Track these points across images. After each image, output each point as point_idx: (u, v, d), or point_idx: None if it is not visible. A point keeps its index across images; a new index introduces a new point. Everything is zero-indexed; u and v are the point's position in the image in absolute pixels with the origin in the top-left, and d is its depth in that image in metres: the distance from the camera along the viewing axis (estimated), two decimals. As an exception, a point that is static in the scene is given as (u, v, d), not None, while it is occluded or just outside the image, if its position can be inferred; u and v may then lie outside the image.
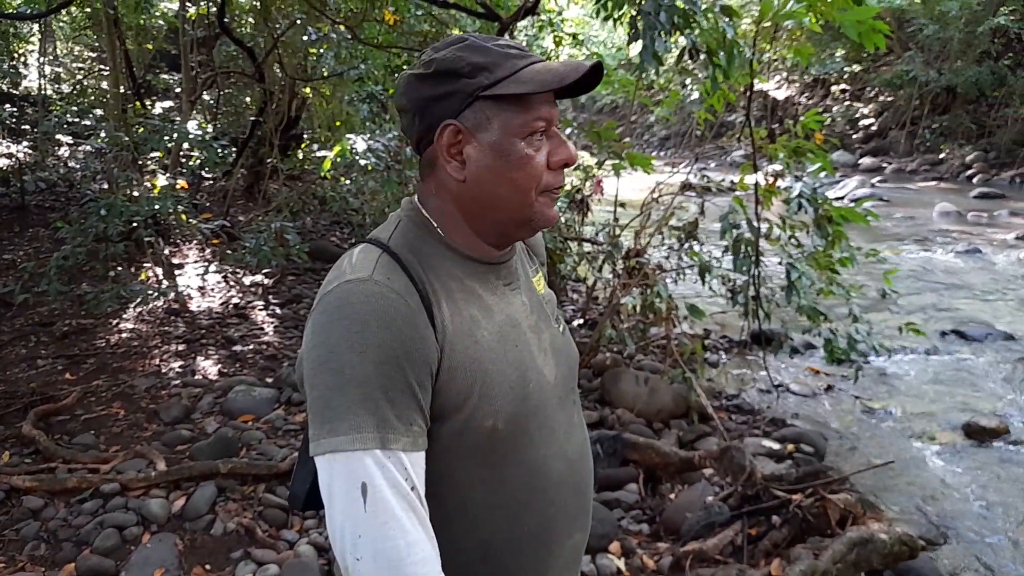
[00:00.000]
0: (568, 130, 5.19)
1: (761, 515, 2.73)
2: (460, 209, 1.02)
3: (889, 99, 18.71)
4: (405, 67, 7.53)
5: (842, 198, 12.15)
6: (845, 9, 3.55)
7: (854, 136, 18.97)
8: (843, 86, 20.02)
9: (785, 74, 20.94)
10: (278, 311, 5.73)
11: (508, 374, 0.99)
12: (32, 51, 11.80)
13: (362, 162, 4.63)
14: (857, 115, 19.35)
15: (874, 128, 18.84)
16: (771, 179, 4.53)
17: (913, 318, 5.97)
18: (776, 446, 3.96)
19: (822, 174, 4.46)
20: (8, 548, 2.72)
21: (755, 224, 4.30)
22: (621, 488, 3.31)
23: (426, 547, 0.89)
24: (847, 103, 19.74)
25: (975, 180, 15.10)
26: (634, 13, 3.64)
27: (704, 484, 3.31)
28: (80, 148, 9.41)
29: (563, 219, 5.88)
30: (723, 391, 4.81)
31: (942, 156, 16.68)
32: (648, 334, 4.89)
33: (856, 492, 2.68)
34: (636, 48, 3.69)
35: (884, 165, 17.22)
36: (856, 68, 19.35)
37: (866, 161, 17.61)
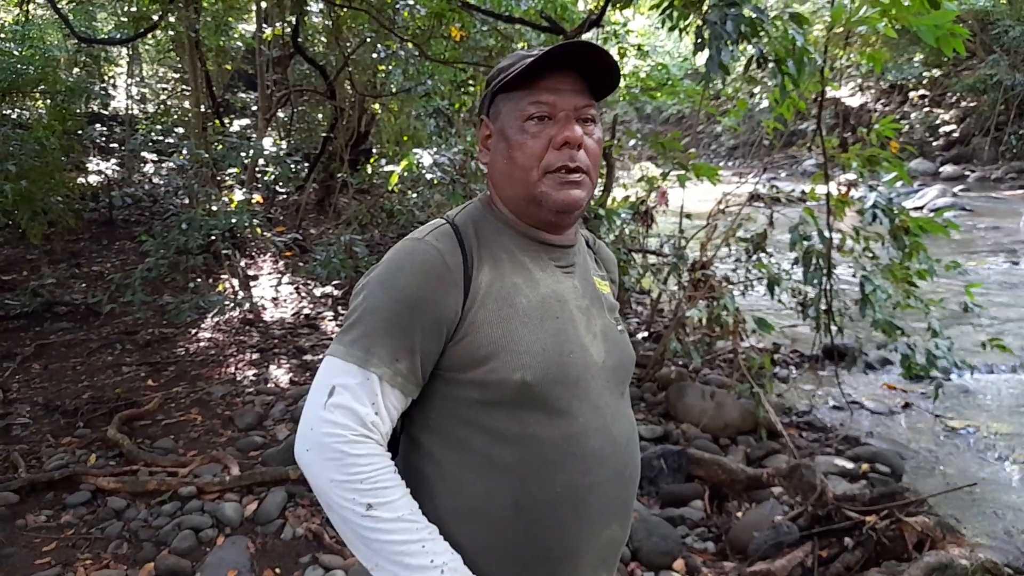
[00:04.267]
0: (631, 141, 5.17)
1: (832, 536, 2.63)
2: (495, 187, 1.16)
3: (972, 104, 17.88)
4: (471, 82, 7.65)
5: (921, 208, 11.67)
6: (922, 13, 3.44)
7: (934, 143, 18.20)
8: (922, 92, 19.25)
9: (860, 80, 20.28)
10: (346, 322, 5.86)
11: (542, 337, 1.06)
12: (121, 73, 12.50)
13: (428, 176, 4.72)
14: (937, 121, 18.56)
15: (956, 135, 18.03)
16: (844, 189, 4.40)
17: (998, 333, 5.68)
18: (850, 465, 3.82)
19: (898, 183, 4.31)
20: (94, 546, 2.87)
21: (826, 235, 4.18)
22: (686, 505, 3.25)
23: (372, 445, 0.99)
24: (926, 109, 18.96)
25: (1067, 188, 14.27)
26: (700, 23, 3.61)
27: (773, 503, 3.22)
28: (164, 165, 9.88)
29: (627, 230, 5.85)
30: (793, 407, 4.67)
31: (1030, 163, 15.83)
32: (714, 347, 4.80)
33: (935, 515, 2.55)
34: (702, 58, 3.65)
35: (967, 173, 16.46)
36: (936, 73, 18.58)
37: (947, 169, 16.87)
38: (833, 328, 4.46)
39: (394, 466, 1.02)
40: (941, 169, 17.02)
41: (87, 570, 2.70)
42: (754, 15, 3.46)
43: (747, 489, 3.33)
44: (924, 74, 18.63)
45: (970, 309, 4.35)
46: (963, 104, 18.29)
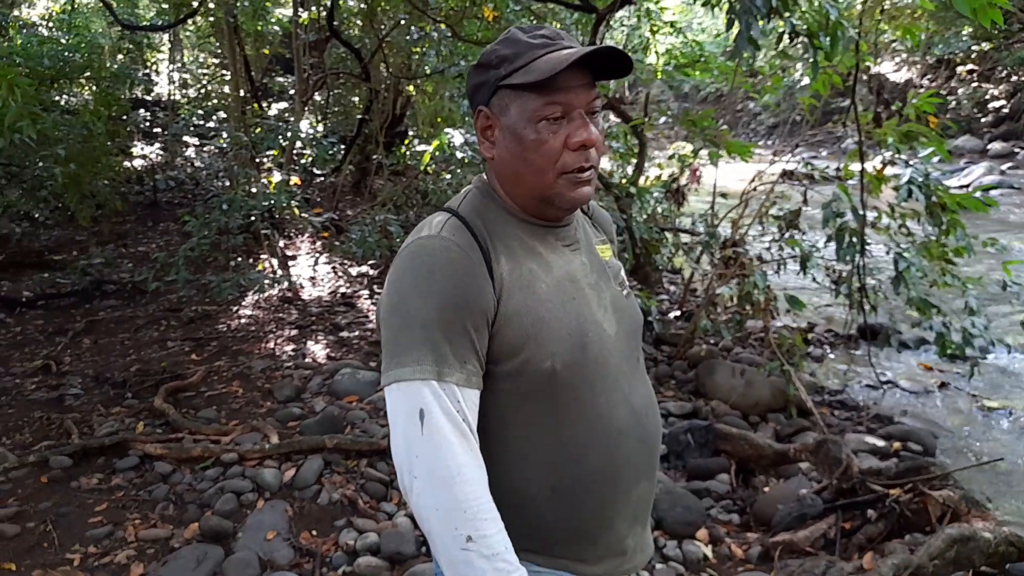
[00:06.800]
0: (662, 119, 5.15)
1: (856, 509, 2.65)
2: (500, 182, 1.15)
3: (1023, 79, 17.26)
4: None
5: (967, 186, 11.36)
6: (959, -16, 3.37)
7: (982, 120, 17.61)
8: (970, 66, 18.62)
9: (905, 56, 19.70)
10: (381, 300, 5.98)
11: (565, 322, 1.08)
12: (163, 59, 12.77)
13: (459, 155, 4.78)
14: (986, 97, 17.95)
15: (1006, 111, 17.43)
16: (880, 166, 4.34)
17: (1041, 313, 5.56)
18: (881, 443, 3.81)
19: (935, 159, 4.23)
20: (142, 507, 3.02)
21: (860, 212, 4.14)
22: (712, 478, 3.29)
23: (475, 470, 1.00)
24: (975, 84, 18.34)
25: (1123, 165, 13.74)
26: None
27: (800, 478, 3.24)
28: (205, 148, 10.12)
29: (660, 209, 5.84)
30: (826, 386, 4.65)
31: (1084, 140, 15.26)
32: (745, 326, 4.79)
33: (960, 489, 2.56)
34: (734, 33, 3.63)
35: (1017, 151, 15.92)
36: (985, 47, 17.94)
37: (996, 146, 16.33)
38: (867, 306, 4.42)
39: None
40: (989, 146, 16.48)
41: (136, 529, 2.85)
42: (786, -11, 3.43)
43: (774, 464, 3.35)
44: (973, 48, 18.01)
45: (1009, 287, 4.28)
46: (1014, 79, 17.65)
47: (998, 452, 3.83)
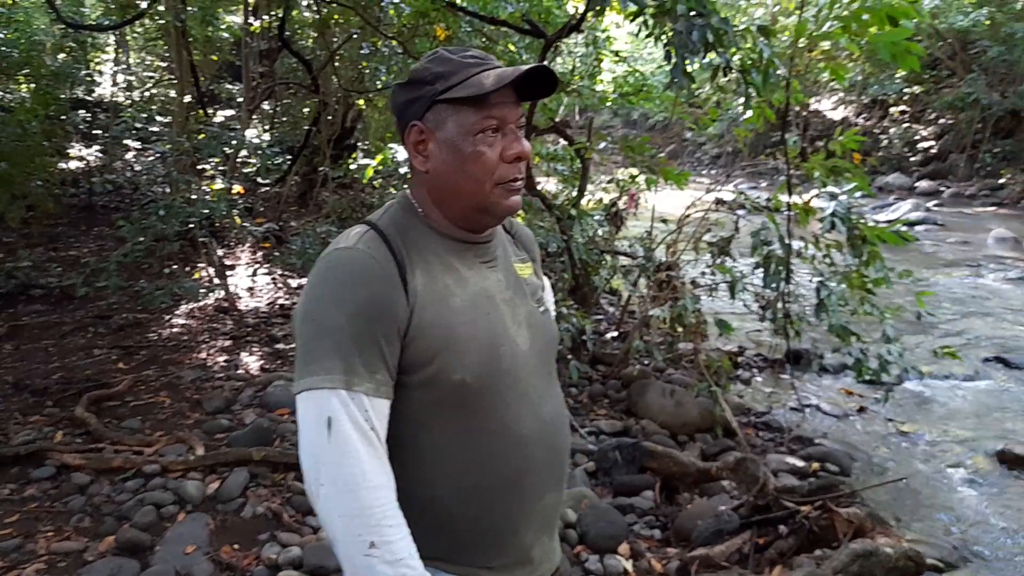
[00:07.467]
0: (602, 144, 5.28)
1: (770, 525, 2.76)
2: (431, 196, 1.17)
3: (950, 121, 18.21)
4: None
5: (894, 222, 11.89)
6: (881, 31, 3.58)
7: (912, 159, 18.50)
8: (903, 107, 19.56)
9: (842, 95, 20.58)
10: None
11: (478, 336, 1.12)
12: (107, 60, 12.47)
13: (402, 170, 4.81)
14: (916, 137, 18.87)
15: (934, 151, 18.35)
16: (807, 197, 4.53)
17: (957, 343, 5.86)
18: (801, 463, 3.95)
19: (858, 194, 4.44)
20: (56, 519, 2.93)
21: (786, 241, 4.31)
22: (637, 495, 3.37)
23: (380, 477, 1.03)
24: (906, 125, 19.27)
25: (1037, 207, 14.58)
26: (669, 34, 3.72)
27: (722, 496, 3.35)
28: (146, 153, 9.89)
29: (600, 231, 5.96)
30: (752, 408, 4.80)
31: (1002, 181, 16.14)
32: (676, 347, 4.92)
33: (866, 507, 2.68)
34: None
35: (942, 189, 16.76)
36: (917, 89, 18.90)
37: (923, 184, 17.16)
38: (791, 332, 4.59)
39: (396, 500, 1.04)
40: (917, 184, 17.32)
41: (48, 541, 2.76)
42: (719, 27, 3.58)
43: (697, 482, 3.45)
44: (905, 90, 18.94)
45: (922, 317, 4.51)
46: (941, 121, 18.61)
47: (908, 473, 4.02)
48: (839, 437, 4.47)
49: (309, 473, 1.02)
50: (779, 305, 4.46)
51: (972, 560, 3.21)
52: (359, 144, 10.28)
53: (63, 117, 8.70)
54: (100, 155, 9.63)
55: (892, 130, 19.22)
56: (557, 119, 6.39)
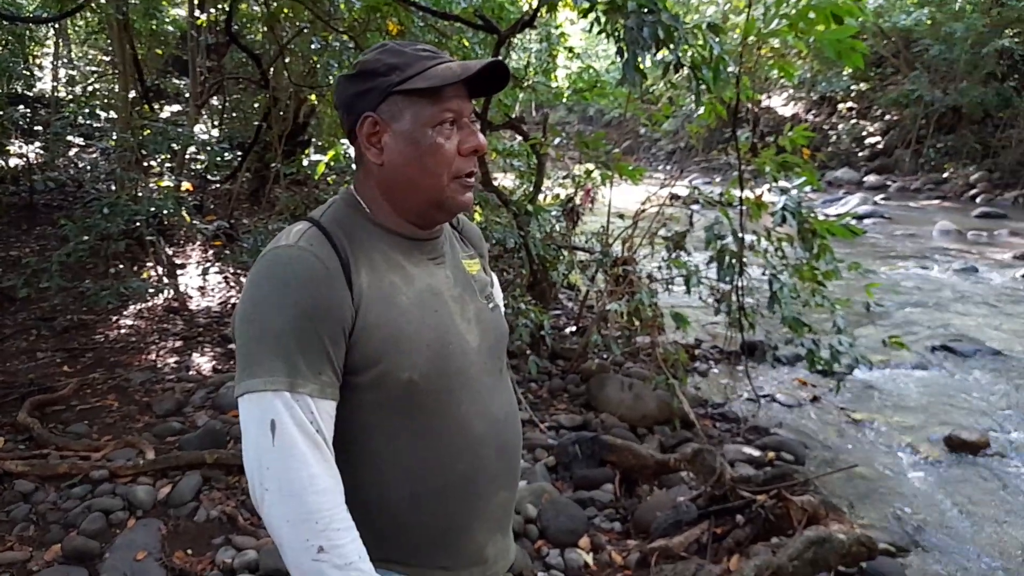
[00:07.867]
0: (557, 140, 5.30)
1: (727, 515, 2.79)
2: (382, 191, 1.13)
3: (895, 118, 18.78)
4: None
5: (842, 215, 12.20)
6: (826, 29, 3.65)
7: (860, 154, 19.03)
8: (850, 104, 20.10)
9: (792, 91, 21.03)
10: (275, 312, 5.82)
11: (425, 334, 1.09)
12: (47, 54, 12.04)
13: (355, 166, 4.75)
14: (863, 133, 19.41)
15: (880, 146, 18.90)
16: (759, 192, 4.62)
17: (904, 333, 6.04)
18: (757, 453, 4.02)
19: (808, 189, 4.54)
20: (-2, 529, 2.82)
21: (739, 235, 4.38)
22: (597, 488, 3.38)
23: (327, 480, 0.99)
24: (853, 121, 19.81)
25: (978, 200, 15.15)
26: (621, 30, 3.74)
27: (680, 487, 3.38)
28: (89, 149, 9.58)
29: (557, 227, 5.98)
30: (709, 400, 4.87)
31: (946, 175, 16.73)
32: (635, 341, 4.96)
33: (820, 495, 2.74)
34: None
35: (888, 183, 17.28)
36: (863, 87, 19.43)
37: (871, 179, 17.67)
38: (745, 324, 4.67)
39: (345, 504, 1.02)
40: (865, 179, 17.82)
41: (-11, 552, 2.65)
42: (670, 23, 3.61)
43: (656, 474, 3.48)
44: (852, 87, 19.46)
45: (871, 308, 4.63)
46: (887, 117, 19.18)
47: (860, 460, 4.12)
48: (794, 426, 4.57)
49: (254, 478, 0.99)
50: (733, 298, 4.53)
51: (923, 543, 3.31)
52: (312, 140, 10.12)
53: (1, 112, 8.37)
54: (41, 152, 9.29)
55: (840, 126, 19.74)
56: (512, 115, 6.39)
